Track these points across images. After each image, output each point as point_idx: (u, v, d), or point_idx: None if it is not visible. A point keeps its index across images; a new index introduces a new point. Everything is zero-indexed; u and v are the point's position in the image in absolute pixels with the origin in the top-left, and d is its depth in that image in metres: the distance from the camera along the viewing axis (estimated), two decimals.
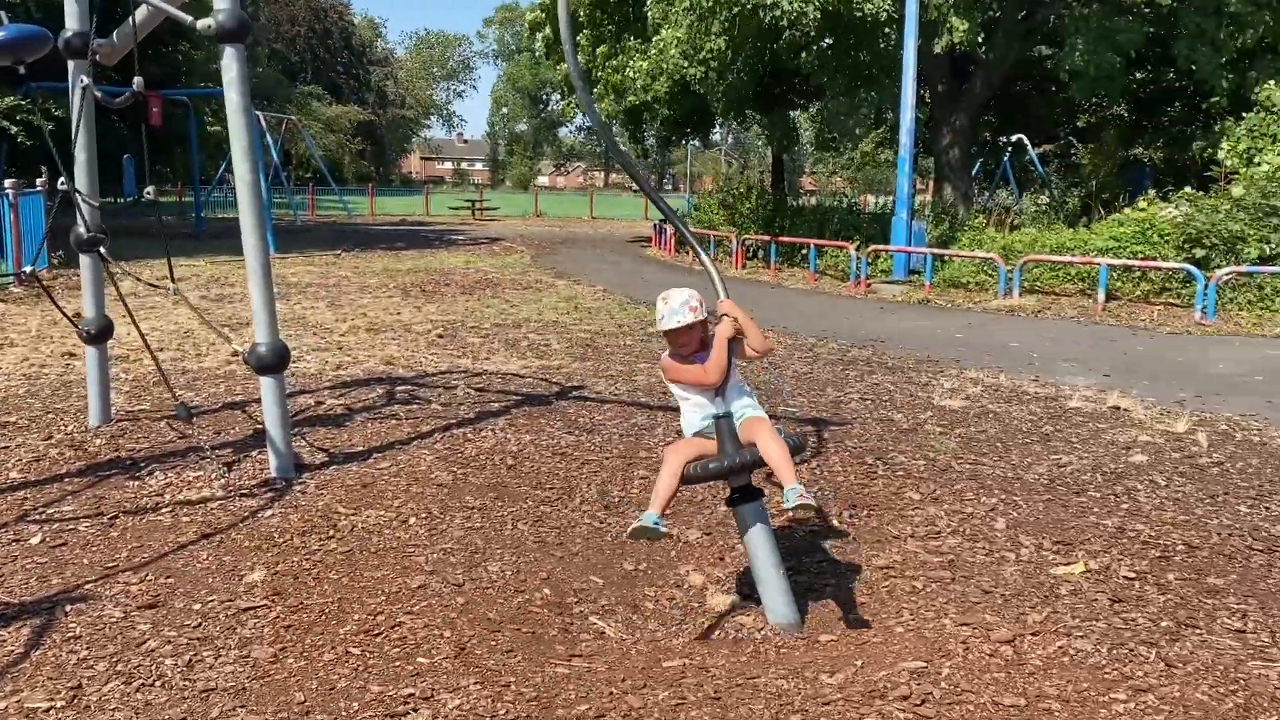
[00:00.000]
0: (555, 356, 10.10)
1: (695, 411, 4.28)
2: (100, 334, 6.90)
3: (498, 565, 4.78)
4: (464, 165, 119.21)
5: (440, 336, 11.19)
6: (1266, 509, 5.64)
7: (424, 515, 5.37)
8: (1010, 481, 6.07)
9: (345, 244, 26.02)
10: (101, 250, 6.42)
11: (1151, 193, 17.86)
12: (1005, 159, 30.85)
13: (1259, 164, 16.11)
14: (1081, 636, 3.94)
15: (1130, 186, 23.40)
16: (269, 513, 5.34)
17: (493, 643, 3.98)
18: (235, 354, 5.78)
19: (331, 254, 23.35)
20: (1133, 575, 4.60)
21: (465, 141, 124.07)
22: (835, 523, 5.38)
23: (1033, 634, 3.96)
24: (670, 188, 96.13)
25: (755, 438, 4.11)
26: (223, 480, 5.85)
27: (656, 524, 3.98)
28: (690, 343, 4.25)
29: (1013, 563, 4.80)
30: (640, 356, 10.16)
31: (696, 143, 56.91)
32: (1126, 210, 17.07)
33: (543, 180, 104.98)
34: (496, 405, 7.84)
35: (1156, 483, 6.09)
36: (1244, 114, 17.39)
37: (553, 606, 4.42)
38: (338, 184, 51.12)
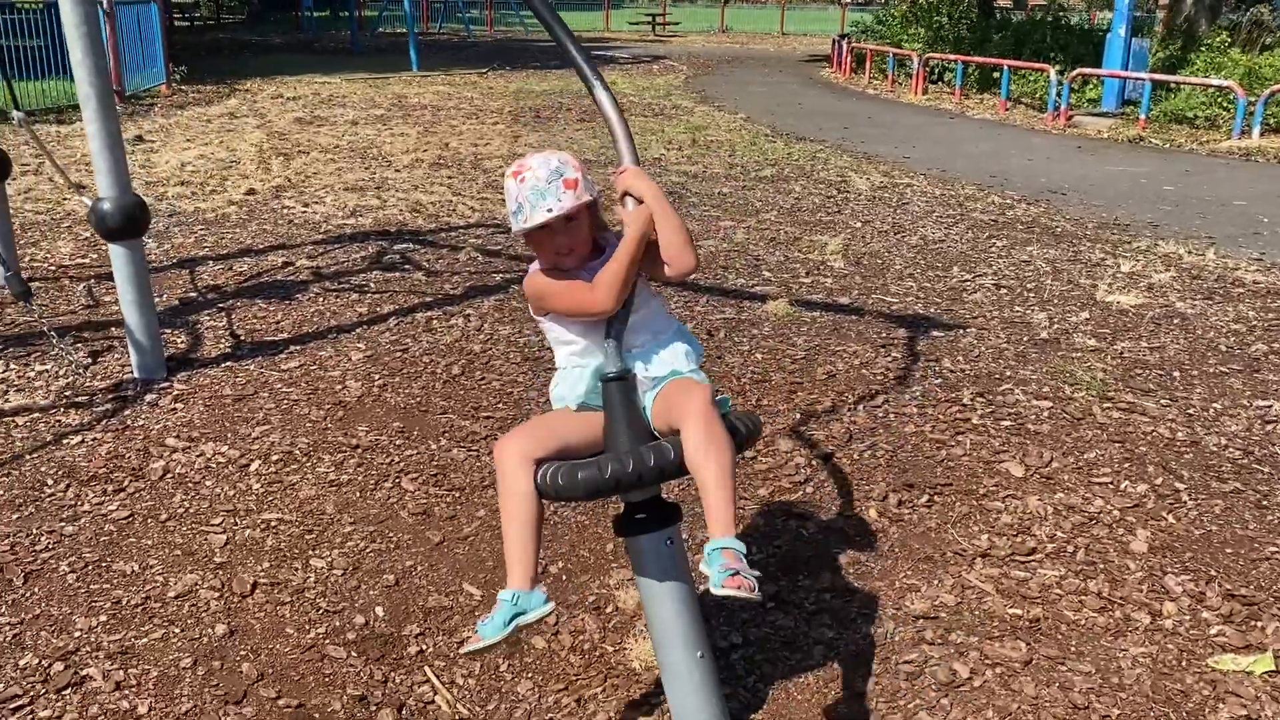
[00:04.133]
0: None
1: (576, 367, 2.44)
2: None
3: (329, 556, 3.18)
4: None
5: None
6: None
7: (279, 457, 3.79)
8: (1178, 450, 3.93)
9: (496, 62, 24.36)
10: None
11: None
12: None
13: None
14: None
15: None
16: (76, 440, 3.88)
17: None
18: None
19: (476, 72, 21.79)
20: None
21: None
22: (872, 513, 3.47)
23: None
24: None
25: (681, 423, 2.23)
26: (69, 379, 4.43)
27: (517, 615, 2.14)
28: (575, 244, 2.38)
29: (1142, 634, 2.81)
30: (731, 210, 8.15)
31: None
32: None
33: None
34: (498, 277, 6.10)
35: None
36: None
37: (372, 643, 2.80)
38: None
